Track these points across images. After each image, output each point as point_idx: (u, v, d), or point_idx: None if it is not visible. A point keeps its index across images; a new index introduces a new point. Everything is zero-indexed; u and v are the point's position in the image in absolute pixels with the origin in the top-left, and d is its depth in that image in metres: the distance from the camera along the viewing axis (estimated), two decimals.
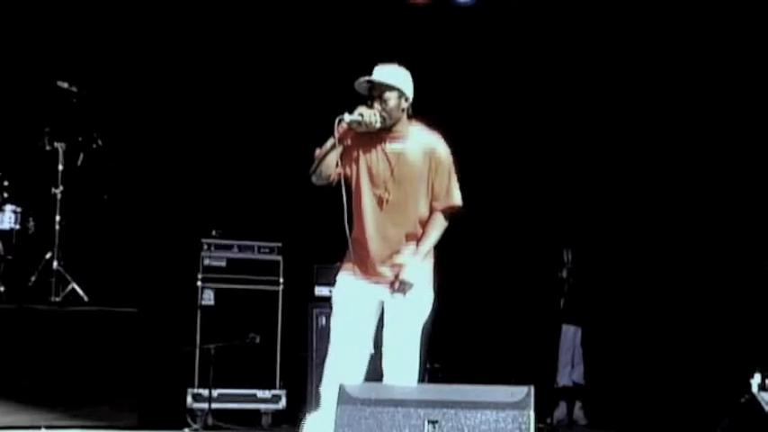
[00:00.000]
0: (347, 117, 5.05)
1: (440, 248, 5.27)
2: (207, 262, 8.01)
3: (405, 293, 5.13)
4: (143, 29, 8.65)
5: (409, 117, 5.20)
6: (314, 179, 5.15)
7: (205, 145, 8.76)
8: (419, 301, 5.20)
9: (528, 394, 4.05)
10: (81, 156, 8.04)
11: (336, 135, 5.08)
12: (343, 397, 4.17)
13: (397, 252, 5.16)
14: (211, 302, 8.01)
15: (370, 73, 5.10)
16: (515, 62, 9.12)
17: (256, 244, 8.18)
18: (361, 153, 5.18)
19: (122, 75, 8.59)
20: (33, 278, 7.77)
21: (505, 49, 9.10)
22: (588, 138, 9.13)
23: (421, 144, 5.18)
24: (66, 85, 7.83)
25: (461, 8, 8.99)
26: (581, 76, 9.08)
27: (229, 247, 8.11)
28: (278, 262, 8.19)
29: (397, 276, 5.13)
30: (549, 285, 8.84)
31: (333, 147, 5.10)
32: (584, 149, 9.16)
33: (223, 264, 8.10)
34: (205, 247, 8.03)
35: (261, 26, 8.83)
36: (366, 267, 5.19)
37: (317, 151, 5.13)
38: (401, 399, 4.14)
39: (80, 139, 8.02)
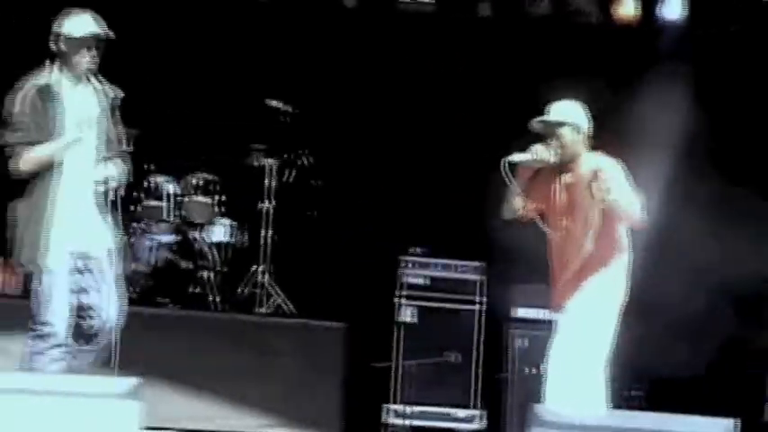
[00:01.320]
0: (516, 158, 5.27)
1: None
2: (406, 279, 8.10)
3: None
4: (351, 50, 8.85)
5: (591, 147, 5.36)
6: (504, 215, 5.43)
7: (411, 162, 8.84)
8: (590, 322, 5.22)
9: (732, 428, 3.92)
10: (290, 172, 8.34)
11: (509, 177, 5.25)
12: (536, 420, 4.14)
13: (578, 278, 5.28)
14: (410, 319, 8.09)
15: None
16: None
17: (457, 263, 8.21)
18: (546, 186, 5.41)
19: (331, 93, 8.80)
20: (243, 290, 8.10)
21: None
22: None
23: (589, 170, 5.26)
24: (275, 103, 8.14)
25: None
26: None
27: (429, 266, 8.18)
28: (478, 281, 8.19)
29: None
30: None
31: (514, 188, 5.33)
32: None
33: (422, 281, 8.17)
34: (404, 264, 8.13)
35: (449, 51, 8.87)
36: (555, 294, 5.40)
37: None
38: (595, 426, 4.08)
39: (290, 156, 8.32)
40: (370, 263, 8.46)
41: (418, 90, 8.89)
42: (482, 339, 8.07)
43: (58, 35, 5.05)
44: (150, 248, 7.93)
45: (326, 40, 8.79)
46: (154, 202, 8.23)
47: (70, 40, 5.02)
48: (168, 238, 8.00)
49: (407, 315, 8.04)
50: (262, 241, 8.13)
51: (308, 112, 8.33)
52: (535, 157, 5.28)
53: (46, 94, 5.01)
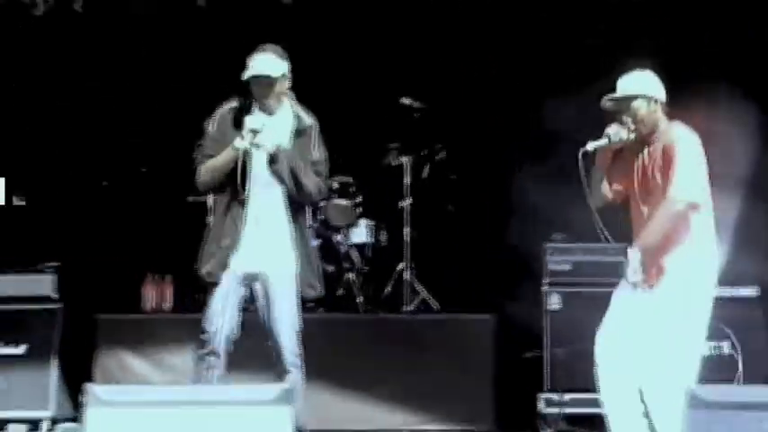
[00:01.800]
0: (591, 146, 5.07)
1: None
2: (552, 266, 8.01)
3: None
4: (480, 42, 8.80)
5: (668, 116, 5.12)
6: (591, 205, 5.19)
7: (545, 149, 8.74)
8: (677, 298, 5.04)
9: None
10: (426, 168, 8.35)
11: (587, 167, 5.08)
12: (693, 401, 4.04)
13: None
14: (558, 306, 8.00)
15: None
16: None
17: (601, 246, 8.06)
18: (628, 165, 5.17)
19: (461, 88, 8.78)
20: (388, 289, 8.15)
21: None
22: None
23: (664, 142, 5.04)
24: (408, 101, 8.16)
25: None
26: None
27: (573, 251, 8.06)
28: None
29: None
30: None
31: (596, 171, 5.16)
32: None
33: (567, 267, 8.06)
34: (549, 251, 8.03)
35: None
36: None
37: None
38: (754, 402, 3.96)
39: (425, 152, 8.33)
40: (512, 252, 8.41)
41: (549, 79, 8.78)
42: None
43: (244, 69, 5.28)
44: None
45: (455, 33, 8.77)
46: None
47: (248, 78, 5.24)
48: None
49: (555, 302, 7.96)
50: (404, 239, 8.13)
51: (439, 107, 8.32)
52: (612, 141, 5.07)
53: (232, 115, 5.30)
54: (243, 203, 5.23)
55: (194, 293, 8.27)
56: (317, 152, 5.34)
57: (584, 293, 7.93)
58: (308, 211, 5.62)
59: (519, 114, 8.75)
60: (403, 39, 8.80)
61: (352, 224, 8.35)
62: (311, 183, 5.25)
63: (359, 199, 8.37)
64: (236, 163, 5.18)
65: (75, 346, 7.82)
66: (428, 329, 7.62)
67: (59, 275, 7.89)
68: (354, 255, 8.22)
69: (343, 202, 8.32)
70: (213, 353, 5.24)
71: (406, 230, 8.15)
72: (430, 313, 7.93)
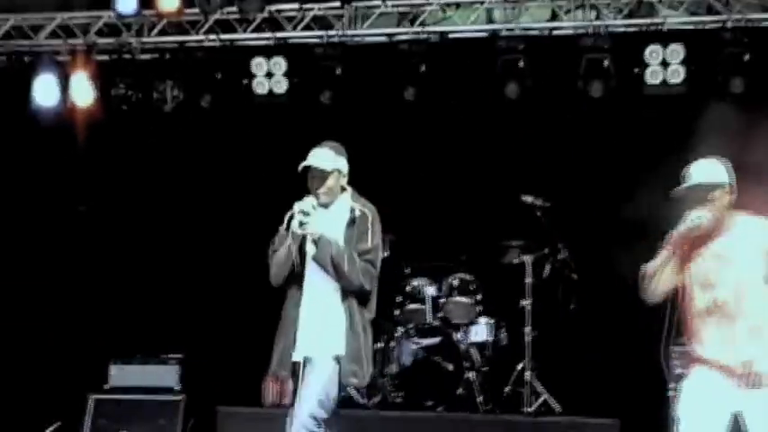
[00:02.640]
0: (684, 226, 4.85)
1: None
2: (678, 370, 7.74)
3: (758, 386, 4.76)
4: (599, 138, 8.77)
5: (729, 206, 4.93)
6: (647, 296, 5.03)
7: None
8: None
9: None
10: (547, 267, 8.26)
11: (671, 247, 4.90)
12: None
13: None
14: None
15: None
16: None
17: None
18: (689, 256, 4.94)
19: (582, 186, 8.72)
20: (507, 388, 8.03)
21: None
22: None
23: (750, 234, 4.85)
24: (530, 199, 8.12)
25: None
26: None
27: None
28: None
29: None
30: None
31: (667, 260, 4.94)
32: None
33: None
34: (676, 355, 7.81)
35: None
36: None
37: (647, 268, 5.00)
38: None
39: (546, 251, 8.25)
40: (637, 354, 8.20)
41: (671, 173, 8.65)
42: None
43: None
44: (414, 352, 8.00)
45: (575, 130, 8.77)
46: (414, 306, 8.35)
47: (302, 170, 5.38)
48: (431, 341, 8.05)
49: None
50: (525, 338, 8.02)
51: (561, 206, 8.25)
52: (697, 225, 4.83)
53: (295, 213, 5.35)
54: (300, 289, 5.30)
55: None
56: (370, 242, 5.32)
57: None
58: (364, 301, 5.40)
59: (641, 213, 8.63)
60: (524, 137, 8.82)
61: (472, 322, 8.30)
62: (356, 271, 5.23)
63: (479, 297, 8.32)
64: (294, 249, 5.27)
65: None
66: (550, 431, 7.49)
67: (183, 367, 8.01)
68: (474, 353, 8.14)
69: (464, 299, 8.29)
70: None
71: (527, 329, 8.03)
72: (551, 415, 7.76)
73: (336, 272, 5.23)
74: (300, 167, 5.37)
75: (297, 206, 5.25)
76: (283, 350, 5.29)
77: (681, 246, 4.94)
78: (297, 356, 5.26)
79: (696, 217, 4.86)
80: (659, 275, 5.00)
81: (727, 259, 4.90)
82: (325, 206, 5.36)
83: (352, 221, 5.34)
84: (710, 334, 4.95)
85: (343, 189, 5.46)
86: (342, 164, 5.45)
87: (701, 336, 4.98)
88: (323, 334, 5.25)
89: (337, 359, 5.22)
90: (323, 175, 5.35)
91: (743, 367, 4.84)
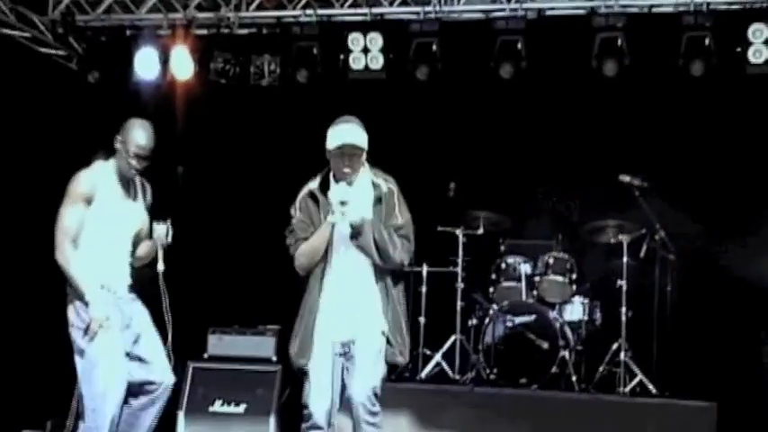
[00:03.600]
0: None
1: None
2: None
3: None
4: (699, 116, 8.66)
5: None
6: None
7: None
8: None
9: None
10: (644, 247, 8.19)
11: None
12: None
13: None
14: None
15: None
16: None
17: None
18: None
19: (681, 165, 8.63)
20: (602, 368, 8.00)
21: None
22: None
23: None
24: (628, 178, 8.05)
25: None
26: None
27: None
28: None
29: None
30: None
31: None
32: None
33: None
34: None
35: None
36: None
37: None
38: None
39: (643, 231, 8.18)
40: (732, 337, 8.14)
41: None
42: None
43: (326, 147, 5.33)
44: (509, 329, 8.01)
45: (675, 109, 8.67)
46: (509, 284, 8.35)
47: (329, 152, 5.29)
48: (525, 319, 8.04)
49: None
50: (620, 318, 7.98)
51: (660, 185, 8.17)
52: None
53: (313, 196, 5.31)
54: (328, 274, 5.23)
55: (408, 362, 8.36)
56: (401, 216, 5.27)
57: None
58: (398, 276, 5.37)
59: (734, 191, 8.54)
60: (623, 116, 8.75)
61: (566, 301, 8.28)
62: (397, 250, 5.20)
63: (574, 276, 8.29)
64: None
65: (291, 407, 7.99)
66: (646, 413, 7.44)
67: (279, 338, 8.10)
68: (568, 332, 8.12)
69: (559, 278, 8.27)
70: (315, 427, 5.18)
71: (623, 310, 7.99)
72: (647, 396, 7.71)
73: (380, 254, 5.20)
74: (340, 144, 5.24)
75: (336, 195, 5.15)
76: (304, 337, 5.23)
77: None
78: (339, 339, 5.20)
79: None
80: None
81: None
82: (350, 184, 5.28)
83: (378, 199, 5.29)
84: None
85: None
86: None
87: None
88: (363, 315, 5.23)
89: (382, 336, 5.22)
90: (359, 153, 5.27)
91: None
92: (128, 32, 9.23)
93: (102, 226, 5.51)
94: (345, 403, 5.25)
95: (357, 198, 5.20)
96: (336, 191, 5.18)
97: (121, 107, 9.18)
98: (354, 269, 5.25)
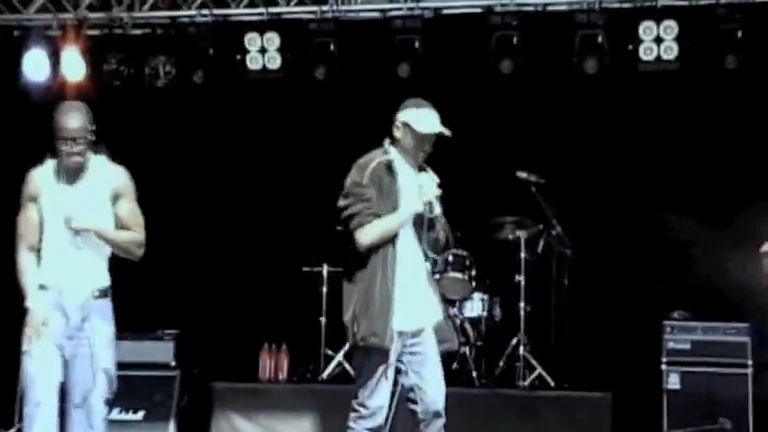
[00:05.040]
0: None
1: None
2: (671, 345, 7.84)
3: None
4: (594, 115, 8.79)
5: None
6: None
7: (663, 225, 8.62)
8: None
9: None
10: (541, 243, 8.29)
11: None
12: None
13: None
14: (676, 386, 7.82)
15: None
16: None
17: (721, 325, 7.89)
18: None
19: (577, 162, 8.75)
20: (501, 363, 8.07)
21: None
22: None
23: None
24: (524, 175, 8.14)
25: None
26: None
27: (693, 329, 7.90)
28: (745, 344, 7.85)
29: None
30: None
31: None
32: None
33: (686, 346, 7.89)
34: (668, 329, 7.87)
35: None
36: None
37: None
38: None
39: (540, 227, 8.28)
40: (629, 329, 8.27)
41: (664, 149, 8.71)
42: (754, 405, 7.70)
43: (406, 124, 5.12)
44: None
45: (569, 106, 8.78)
46: None
47: (416, 133, 5.07)
48: None
49: (673, 382, 7.79)
50: (519, 313, 8.07)
51: (555, 182, 8.28)
52: None
53: (390, 170, 5.01)
54: (400, 260, 4.93)
55: (309, 364, 8.33)
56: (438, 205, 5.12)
57: (704, 373, 7.78)
58: None
59: (635, 187, 8.69)
60: (519, 113, 8.84)
61: (466, 298, 8.33)
62: (446, 237, 5.15)
63: (473, 272, 8.34)
64: None
65: (190, 413, 7.90)
66: (544, 406, 7.57)
67: (177, 343, 8.00)
68: (469, 328, 8.17)
69: (458, 275, 8.30)
70: (378, 428, 4.89)
71: (521, 305, 8.08)
72: (545, 389, 7.81)
73: (446, 243, 5.15)
74: (437, 131, 5.07)
75: (430, 189, 4.98)
76: (380, 321, 4.83)
77: None
78: (410, 328, 4.92)
79: None
80: None
81: None
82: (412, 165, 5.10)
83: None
84: None
85: None
86: None
87: None
88: (429, 302, 5.05)
89: (437, 325, 5.04)
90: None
91: None
92: (15, 33, 9.03)
93: (48, 222, 5.15)
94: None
95: (433, 188, 5.04)
96: (428, 185, 5.00)
97: (9, 110, 9.04)
98: (418, 257, 5.05)
